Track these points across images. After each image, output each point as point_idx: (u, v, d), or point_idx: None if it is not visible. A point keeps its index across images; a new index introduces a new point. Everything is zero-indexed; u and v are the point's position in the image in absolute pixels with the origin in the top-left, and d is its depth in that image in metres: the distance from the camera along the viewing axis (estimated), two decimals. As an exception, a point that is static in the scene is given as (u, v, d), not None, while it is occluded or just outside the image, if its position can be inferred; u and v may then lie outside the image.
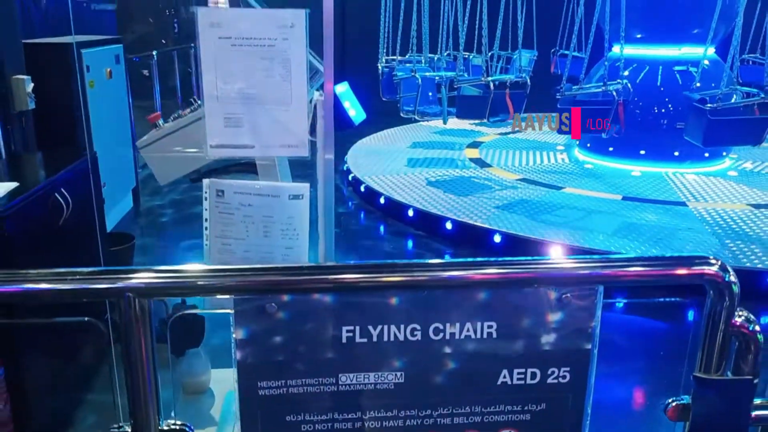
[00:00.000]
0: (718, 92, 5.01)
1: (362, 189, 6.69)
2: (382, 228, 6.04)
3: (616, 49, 7.45)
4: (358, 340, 1.41)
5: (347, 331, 1.40)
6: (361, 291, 1.40)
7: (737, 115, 4.97)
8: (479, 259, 1.47)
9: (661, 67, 7.21)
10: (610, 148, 7.22)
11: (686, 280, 1.53)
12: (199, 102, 2.19)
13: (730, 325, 1.52)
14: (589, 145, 7.63)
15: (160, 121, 2.17)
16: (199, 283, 1.33)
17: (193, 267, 1.34)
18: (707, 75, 6.61)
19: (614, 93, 5.39)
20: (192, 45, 10.83)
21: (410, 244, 5.66)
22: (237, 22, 1.72)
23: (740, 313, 1.53)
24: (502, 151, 8.27)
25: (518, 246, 5.19)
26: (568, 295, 1.47)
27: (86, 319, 1.53)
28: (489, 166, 7.47)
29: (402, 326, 1.42)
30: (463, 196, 6.21)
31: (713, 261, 1.50)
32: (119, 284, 1.29)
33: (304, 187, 1.85)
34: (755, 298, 4.45)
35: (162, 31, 10.08)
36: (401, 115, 6.95)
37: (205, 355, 2.84)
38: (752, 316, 1.54)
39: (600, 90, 5.49)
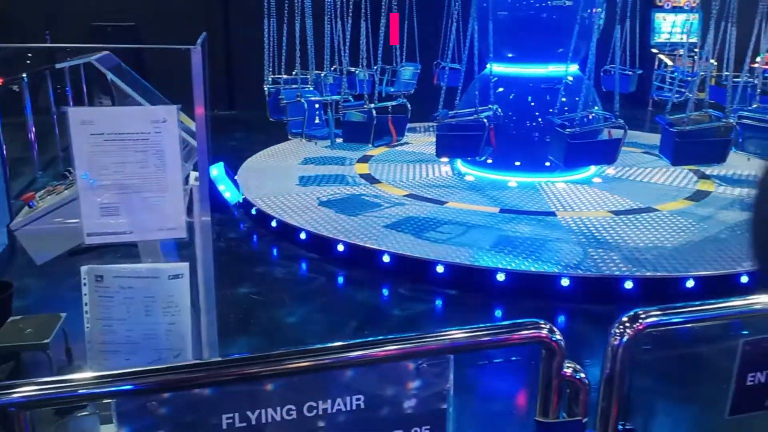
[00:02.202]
0: (576, 116, 5.53)
1: (253, 212, 6.73)
2: (275, 251, 6.13)
3: (492, 66, 7.96)
4: (237, 425, 1.54)
5: (227, 419, 1.53)
6: (266, 380, 1.55)
7: (593, 137, 5.51)
8: (378, 337, 1.67)
9: (531, 84, 7.76)
10: (489, 161, 7.67)
11: (523, 343, 1.79)
12: (72, 176, 2.22)
13: (561, 376, 1.80)
14: (469, 158, 8.07)
15: (34, 201, 2.18)
16: (82, 391, 1.42)
17: (76, 376, 1.43)
18: (572, 90, 7.21)
19: (485, 120, 5.80)
20: (68, 59, 10.30)
21: (303, 267, 5.79)
22: (109, 119, 1.79)
23: (569, 364, 1.82)
24: (390, 165, 8.55)
25: (405, 265, 5.46)
26: (425, 365, 1.69)
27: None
28: (378, 182, 7.72)
29: (278, 408, 1.57)
30: (354, 216, 6.41)
31: (543, 325, 1.77)
32: (2, 400, 1.35)
33: (183, 267, 1.95)
34: (614, 302, 4.98)
35: (31, 50, 9.53)
36: (289, 137, 7.05)
37: (93, 412, 2.84)
38: (579, 366, 1.84)
39: (473, 118, 5.88)
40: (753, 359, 1.99)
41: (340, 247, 5.75)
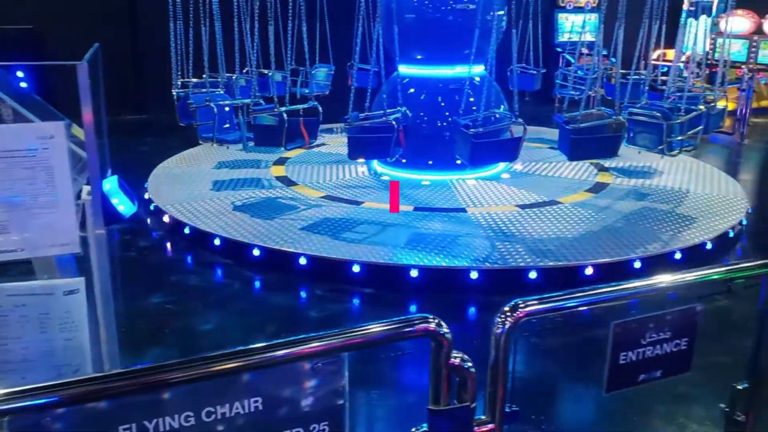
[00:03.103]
0: (479, 116, 5.77)
1: (165, 219, 6.60)
2: (189, 259, 6.04)
3: (402, 68, 8.13)
4: (135, 435, 1.58)
5: (124, 430, 1.57)
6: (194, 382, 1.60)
7: (496, 136, 5.78)
8: (300, 336, 1.75)
9: (440, 85, 7.99)
10: (403, 160, 7.83)
11: (413, 336, 1.91)
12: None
13: (449, 366, 1.93)
14: (380, 159, 8.20)
15: None
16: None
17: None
18: (479, 90, 7.48)
19: (394, 122, 5.95)
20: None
21: (219, 273, 5.75)
22: (-8, 137, 1.77)
23: (456, 354, 1.96)
24: (307, 166, 8.59)
25: (322, 267, 5.53)
26: (320, 364, 1.78)
27: None
28: (295, 184, 7.74)
29: (176, 416, 1.62)
30: (270, 220, 6.41)
31: (431, 319, 1.89)
32: None
33: (78, 282, 1.95)
34: (520, 292, 5.24)
35: None
36: (199, 142, 6.96)
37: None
38: (467, 356, 1.98)
39: (381, 120, 6.02)
40: (624, 340, 2.20)
41: (256, 252, 5.75)
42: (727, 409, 2.62)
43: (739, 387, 2.57)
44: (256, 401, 1.71)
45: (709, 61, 11.85)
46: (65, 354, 2.02)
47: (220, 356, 1.64)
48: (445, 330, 1.89)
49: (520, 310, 2.02)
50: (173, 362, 1.62)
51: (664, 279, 2.21)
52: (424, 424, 1.98)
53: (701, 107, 6.32)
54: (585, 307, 2.15)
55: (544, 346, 4.44)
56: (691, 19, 8.75)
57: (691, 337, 2.32)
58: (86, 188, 2.01)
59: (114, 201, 2.16)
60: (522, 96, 12.83)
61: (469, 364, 1.96)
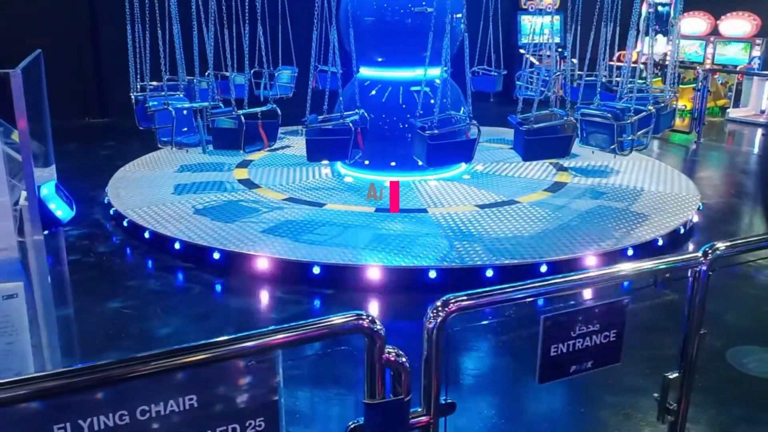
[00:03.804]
0: (434, 118, 5.88)
1: (125, 224, 6.57)
2: (149, 263, 6.02)
3: (363, 70, 8.21)
4: (70, 435, 1.62)
5: (58, 429, 1.60)
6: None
7: (451, 138, 5.89)
8: (234, 335, 1.81)
9: (401, 87, 8.07)
10: (366, 162, 7.91)
11: (347, 333, 1.98)
12: None
13: (383, 360, 2.00)
14: (339, 161, 8.26)
15: None
16: None
17: None
18: (439, 92, 7.57)
19: (351, 125, 6.01)
20: None
21: (179, 278, 5.74)
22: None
23: (390, 349, 2.03)
24: (270, 169, 8.60)
25: (282, 269, 5.57)
26: (254, 362, 1.84)
27: None
28: (257, 186, 7.75)
29: (110, 414, 1.66)
30: (231, 223, 6.42)
31: (365, 316, 1.97)
32: None
33: (17, 287, 1.97)
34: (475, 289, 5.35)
35: None
36: (158, 146, 6.93)
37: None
38: (401, 351, 2.05)
39: (340, 122, 6.08)
40: (554, 332, 2.30)
41: (216, 255, 5.76)
42: (659, 398, 2.74)
43: (671, 376, 2.69)
44: (191, 399, 1.76)
45: (666, 63, 12.17)
46: (7, 358, 2.04)
47: (149, 356, 1.69)
48: (378, 327, 1.96)
49: (451, 305, 2.11)
50: (103, 363, 1.67)
51: (596, 272, 2.32)
52: (361, 418, 2.05)
53: (650, 107, 6.51)
54: (515, 302, 2.24)
55: (496, 340, 4.55)
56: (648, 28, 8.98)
57: (620, 328, 2.42)
58: (24, 194, 2.03)
59: (51, 206, 2.18)
60: (486, 97, 13.01)
61: (404, 359, 2.03)
